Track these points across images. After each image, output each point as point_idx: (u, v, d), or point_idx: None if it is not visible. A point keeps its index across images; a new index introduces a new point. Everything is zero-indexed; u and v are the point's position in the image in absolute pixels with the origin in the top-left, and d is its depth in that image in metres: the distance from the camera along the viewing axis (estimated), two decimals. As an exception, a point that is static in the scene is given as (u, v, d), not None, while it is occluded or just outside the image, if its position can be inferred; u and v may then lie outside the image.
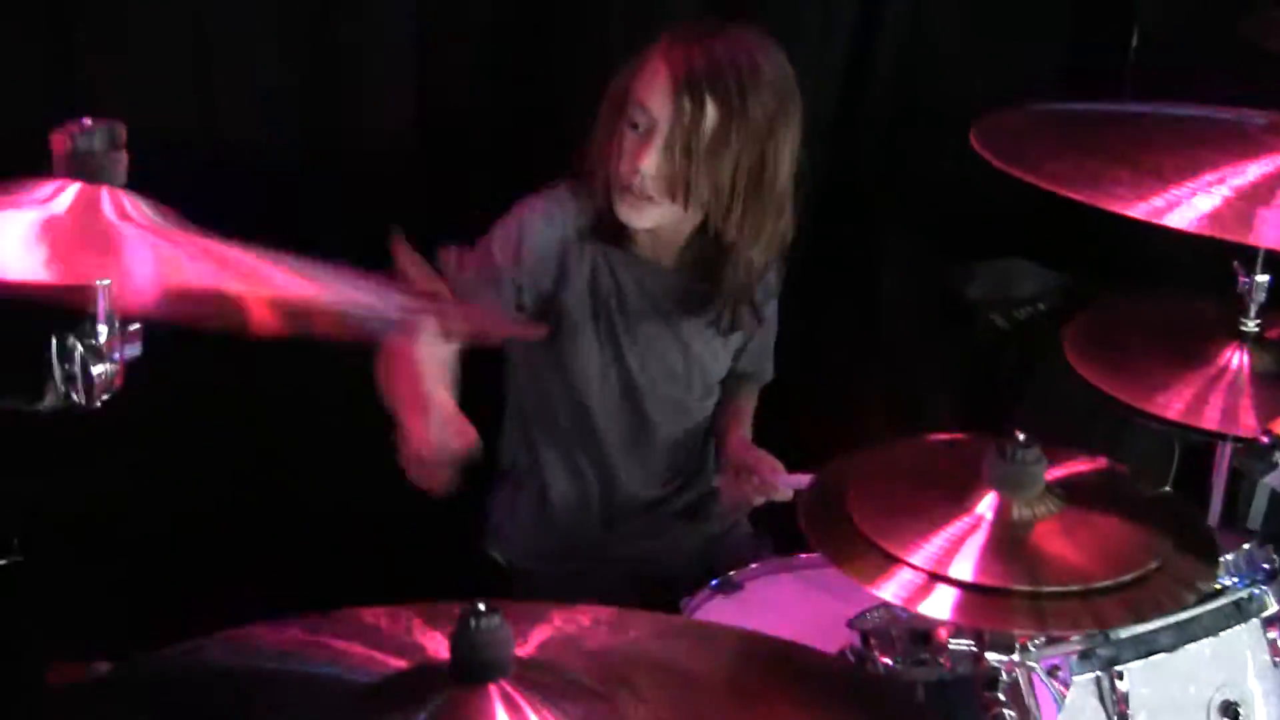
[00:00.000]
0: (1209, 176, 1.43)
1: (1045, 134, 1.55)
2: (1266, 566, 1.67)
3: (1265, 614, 1.64)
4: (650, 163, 2.13)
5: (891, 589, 1.41)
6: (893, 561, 1.42)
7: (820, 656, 1.55)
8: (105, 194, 1.23)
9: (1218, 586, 1.62)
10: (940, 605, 1.38)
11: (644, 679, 1.41)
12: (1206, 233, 1.37)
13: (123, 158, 1.24)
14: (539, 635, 1.49)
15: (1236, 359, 1.89)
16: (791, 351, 2.59)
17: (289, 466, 2.50)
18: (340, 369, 1.94)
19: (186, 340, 1.28)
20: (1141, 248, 2.61)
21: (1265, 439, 1.45)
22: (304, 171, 2.50)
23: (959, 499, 1.46)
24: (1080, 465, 1.54)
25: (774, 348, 2.54)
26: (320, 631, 1.48)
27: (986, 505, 1.45)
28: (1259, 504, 2.09)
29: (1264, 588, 1.67)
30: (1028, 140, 1.51)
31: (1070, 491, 1.47)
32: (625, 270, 2.31)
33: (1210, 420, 1.81)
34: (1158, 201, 1.39)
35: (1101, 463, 1.56)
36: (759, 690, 1.44)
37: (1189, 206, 1.40)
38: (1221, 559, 1.64)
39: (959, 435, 1.65)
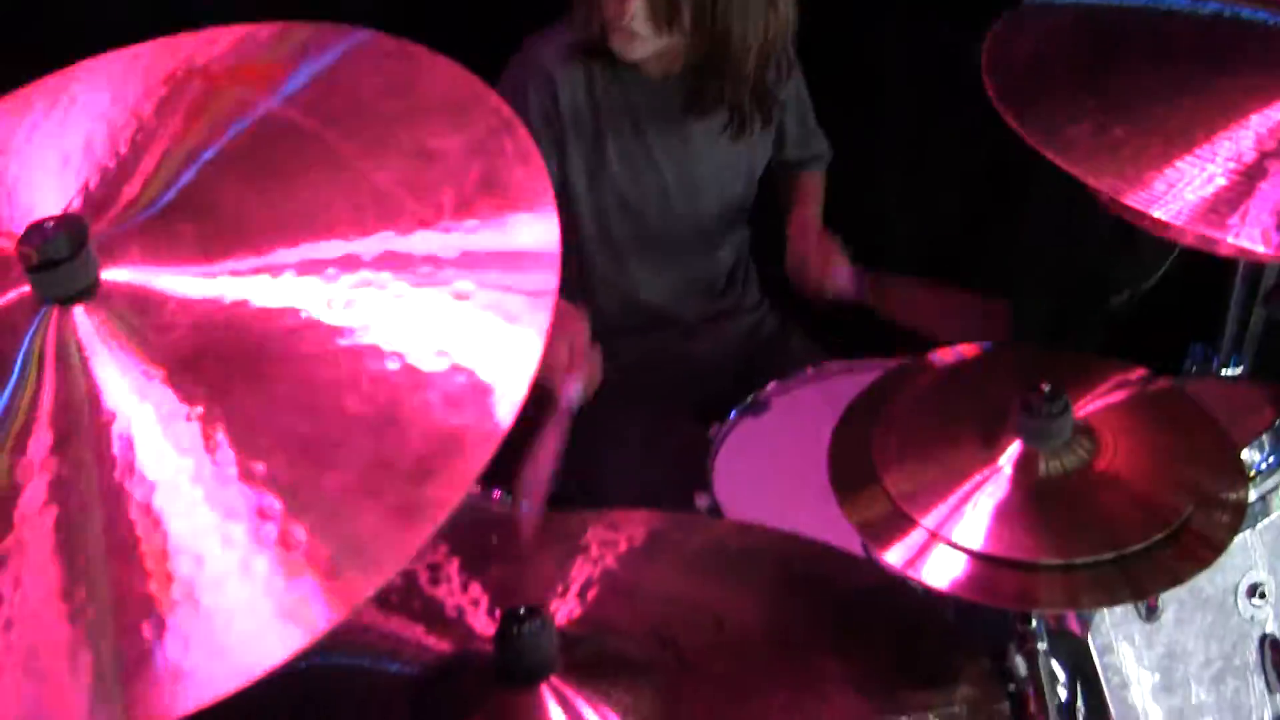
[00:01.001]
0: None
1: (1059, 70, 1.41)
2: (1294, 446, 1.67)
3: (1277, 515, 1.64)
4: (636, 5, 2.13)
5: (903, 554, 1.37)
6: (908, 522, 1.39)
7: (855, 574, 1.57)
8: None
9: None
10: (961, 578, 1.34)
11: (684, 631, 1.45)
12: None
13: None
14: (578, 574, 1.53)
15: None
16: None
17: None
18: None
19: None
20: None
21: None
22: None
23: (985, 444, 1.42)
24: (1110, 392, 1.48)
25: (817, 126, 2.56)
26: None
27: (1010, 457, 1.40)
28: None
29: (1292, 466, 1.67)
30: (1043, 86, 1.37)
31: (1099, 431, 1.42)
32: (628, 88, 2.30)
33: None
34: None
35: (1134, 378, 1.51)
36: (795, 630, 1.47)
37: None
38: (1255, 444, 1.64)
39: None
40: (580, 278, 2.41)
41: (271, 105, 1.17)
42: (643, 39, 2.19)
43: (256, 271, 1.08)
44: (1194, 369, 2.00)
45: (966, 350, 1.58)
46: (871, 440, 1.47)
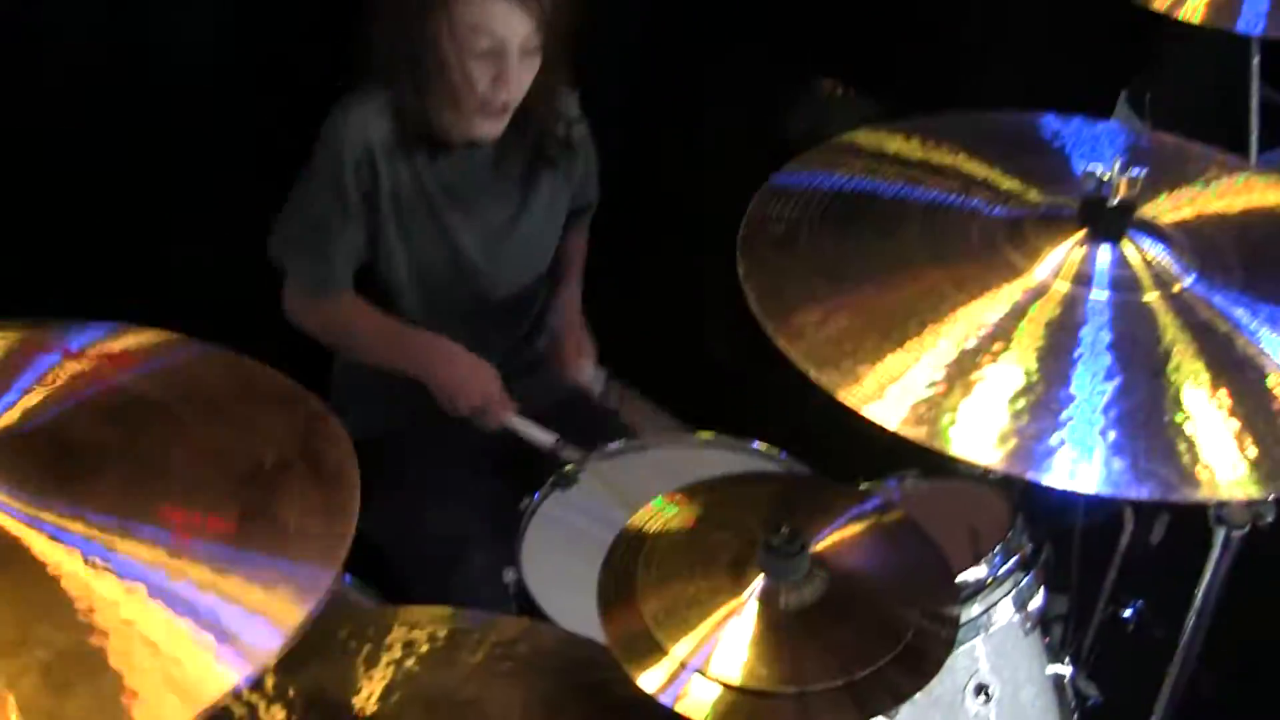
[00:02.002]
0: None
1: (802, 252, 1.53)
2: (1015, 559, 1.87)
3: (1005, 620, 1.84)
4: (516, 72, 2.25)
5: (655, 680, 1.51)
6: (658, 648, 1.53)
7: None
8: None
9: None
10: (703, 704, 1.48)
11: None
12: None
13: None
14: (382, 677, 1.68)
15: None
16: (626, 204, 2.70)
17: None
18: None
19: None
20: (953, 68, 2.67)
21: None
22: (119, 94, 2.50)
23: (733, 577, 1.58)
24: (846, 524, 1.65)
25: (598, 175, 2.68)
26: None
27: (755, 590, 1.56)
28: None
29: (1022, 576, 1.87)
30: (786, 268, 1.50)
31: (834, 562, 1.60)
32: (447, 165, 2.42)
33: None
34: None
35: (869, 509, 1.68)
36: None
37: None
38: (984, 559, 1.84)
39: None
40: None
41: (123, 379, 1.41)
42: (509, 109, 2.30)
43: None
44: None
45: (724, 482, 1.75)
46: (635, 562, 1.64)
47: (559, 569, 2.18)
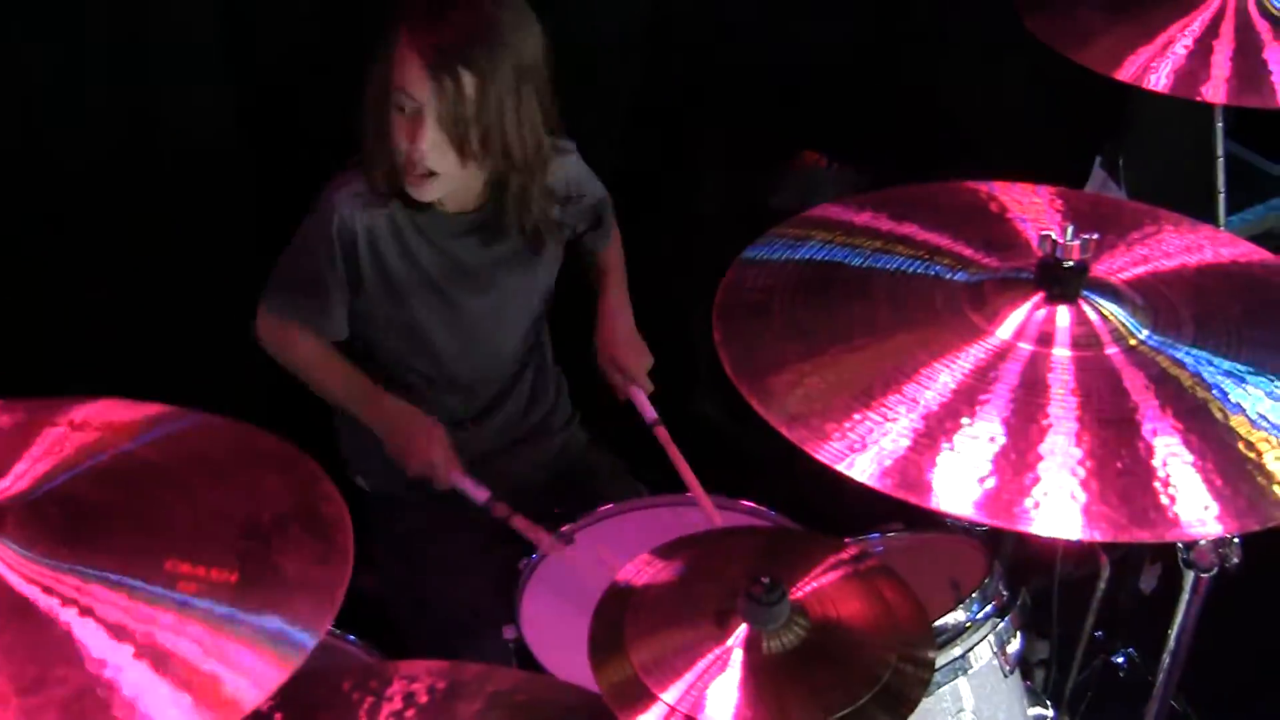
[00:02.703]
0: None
1: (774, 319, 1.60)
2: (993, 605, 1.95)
3: (985, 661, 1.92)
4: (426, 141, 2.31)
5: None
6: (648, 695, 1.59)
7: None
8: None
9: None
10: None
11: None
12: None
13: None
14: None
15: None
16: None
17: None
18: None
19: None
20: (934, 138, 2.77)
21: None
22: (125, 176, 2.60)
23: (718, 625, 1.65)
24: (825, 572, 1.72)
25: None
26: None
27: (739, 637, 1.63)
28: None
29: (999, 621, 1.95)
30: (759, 334, 1.59)
31: (814, 609, 1.67)
32: (432, 233, 2.50)
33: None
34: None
35: (845, 557, 1.76)
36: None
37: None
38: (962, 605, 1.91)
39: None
40: None
41: (127, 447, 1.50)
42: (438, 178, 2.36)
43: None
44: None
45: (709, 537, 1.83)
46: (625, 614, 1.72)
47: (558, 626, 2.24)
